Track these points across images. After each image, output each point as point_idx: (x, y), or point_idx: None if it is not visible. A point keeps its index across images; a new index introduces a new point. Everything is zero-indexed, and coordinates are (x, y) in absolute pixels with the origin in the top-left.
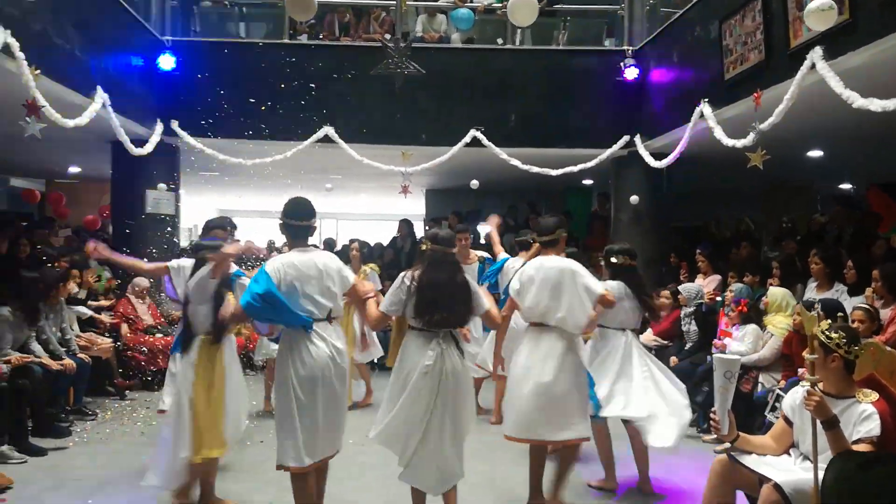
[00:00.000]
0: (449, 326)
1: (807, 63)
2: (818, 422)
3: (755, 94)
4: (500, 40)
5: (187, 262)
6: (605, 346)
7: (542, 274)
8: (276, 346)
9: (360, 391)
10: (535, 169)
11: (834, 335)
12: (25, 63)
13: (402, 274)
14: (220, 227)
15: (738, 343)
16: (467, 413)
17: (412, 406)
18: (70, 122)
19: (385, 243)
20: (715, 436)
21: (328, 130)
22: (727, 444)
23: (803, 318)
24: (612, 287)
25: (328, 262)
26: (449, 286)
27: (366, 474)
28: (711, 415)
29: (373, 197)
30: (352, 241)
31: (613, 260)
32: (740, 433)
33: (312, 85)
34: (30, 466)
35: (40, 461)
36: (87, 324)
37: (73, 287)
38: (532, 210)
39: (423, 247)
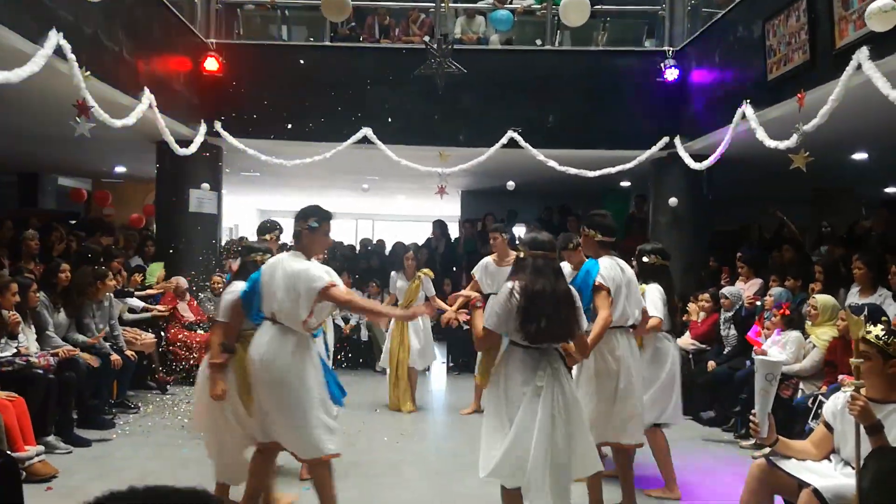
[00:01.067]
0: (555, 341)
1: (853, 63)
2: (861, 427)
3: (799, 95)
4: (539, 41)
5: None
6: (666, 353)
7: (627, 275)
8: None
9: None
10: (573, 170)
11: (893, 339)
12: (77, 65)
13: (506, 285)
14: (272, 231)
15: (779, 350)
16: (589, 442)
17: (524, 433)
18: (118, 123)
19: (419, 244)
20: (753, 441)
21: (367, 131)
22: (766, 449)
23: (849, 323)
24: (653, 290)
25: (289, 265)
26: (555, 296)
27: (402, 471)
28: (751, 417)
29: (409, 198)
30: (407, 247)
31: (645, 259)
32: (780, 437)
33: (352, 87)
34: (74, 457)
35: (84, 452)
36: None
37: (112, 284)
38: (568, 213)
39: (521, 253)
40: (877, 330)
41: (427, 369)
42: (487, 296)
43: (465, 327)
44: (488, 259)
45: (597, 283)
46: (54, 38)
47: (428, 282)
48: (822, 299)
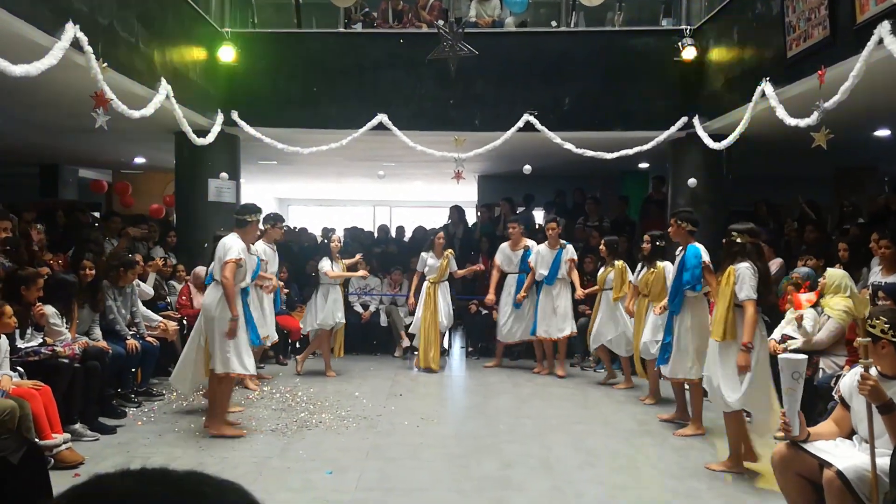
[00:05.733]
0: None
1: (874, 38)
2: (874, 406)
3: (819, 72)
4: (554, 23)
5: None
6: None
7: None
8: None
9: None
10: (590, 153)
11: (877, 322)
12: (94, 57)
13: (743, 265)
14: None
15: (793, 329)
16: None
17: (764, 372)
18: (136, 114)
19: (427, 227)
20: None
21: (382, 118)
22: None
23: (854, 301)
24: (741, 269)
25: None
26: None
27: (421, 454)
28: (781, 417)
29: (426, 184)
30: (437, 229)
31: (739, 240)
32: (810, 430)
33: (366, 73)
34: (100, 444)
35: (110, 439)
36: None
37: (135, 274)
38: (582, 196)
39: (739, 239)
40: (865, 313)
41: (446, 353)
42: (506, 275)
43: (484, 312)
44: (505, 245)
45: (708, 264)
46: (71, 30)
47: (453, 260)
48: (831, 271)
